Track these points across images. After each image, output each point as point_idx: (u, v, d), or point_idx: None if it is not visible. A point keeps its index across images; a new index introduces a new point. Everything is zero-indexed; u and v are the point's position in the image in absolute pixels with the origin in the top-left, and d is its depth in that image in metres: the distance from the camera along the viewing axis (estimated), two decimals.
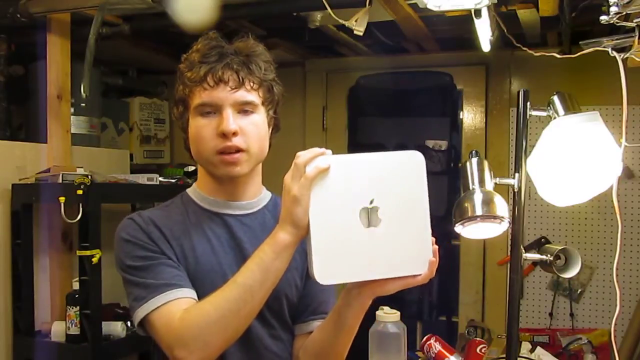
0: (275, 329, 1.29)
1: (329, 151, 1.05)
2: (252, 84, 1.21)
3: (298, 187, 1.03)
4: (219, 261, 1.24)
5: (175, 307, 1.13)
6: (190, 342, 1.08)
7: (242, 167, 1.22)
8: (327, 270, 1.03)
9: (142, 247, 1.20)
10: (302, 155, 1.05)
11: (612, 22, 1.39)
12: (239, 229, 1.27)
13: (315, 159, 1.04)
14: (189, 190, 1.34)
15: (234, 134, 1.18)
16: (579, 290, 3.12)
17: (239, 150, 1.20)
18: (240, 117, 1.20)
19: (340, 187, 1.05)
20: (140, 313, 1.16)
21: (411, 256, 1.07)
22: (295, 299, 1.31)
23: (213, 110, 1.20)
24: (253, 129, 1.22)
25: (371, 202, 1.05)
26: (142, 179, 2.58)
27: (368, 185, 1.06)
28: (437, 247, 1.10)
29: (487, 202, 1.45)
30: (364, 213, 1.05)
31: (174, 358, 1.10)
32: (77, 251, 2.28)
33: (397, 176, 1.07)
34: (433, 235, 1.11)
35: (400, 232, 1.07)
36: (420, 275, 1.08)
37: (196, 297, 1.17)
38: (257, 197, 1.32)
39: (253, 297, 1.09)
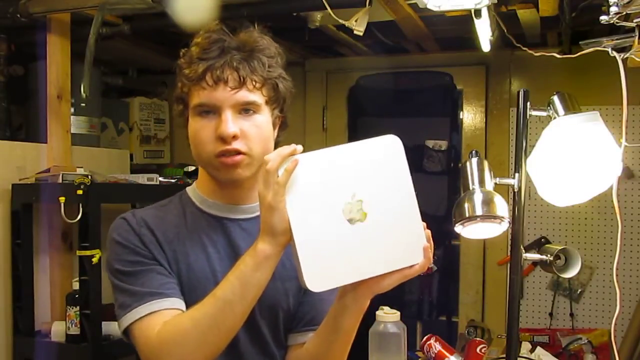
0: (268, 345, 1.22)
1: (300, 147, 0.99)
2: (254, 82, 1.12)
3: (271, 194, 0.97)
4: (212, 269, 1.17)
5: (156, 319, 1.08)
6: (165, 358, 1.04)
7: (244, 170, 1.14)
8: (317, 276, 0.96)
9: (133, 251, 1.14)
10: (271, 160, 0.98)
11: (612, 22, 1.39)
12: (237, 234, 1.20)
13: (285, 161, 0.98)
14: (188, 190, 1.27)
15: (234, 137, 1.11)
16: (579, 290, 3.12)
17: (239, 152, 1.12)
18: (241, 118, 1.13)
19: (316, 185, 0.98)
20: (123, 322, 1.12)
21: (404, 246, 1.01)
22: (293, 309, 1.24)
23: (212, 110, 1.12)
24: (255, 131, 1.14)
25: (353, 196, 0.99)
26: (142, 179, 2.58)
27: (347, 179, 1.00)
28: (429, 231, 1.04)
29: (487, 202, 1.45)
30: (347, 209, 0.99)
31: None
32: (77, 251, 2.27)
33: (376, 164, 1.01)
34: (432, 234, 1.08)
35: (389, 222, 1.00)
36: (417, 264, 1.02)
37: (183, 307, 1.11)
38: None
39: (233, 312, 1.03)
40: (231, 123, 1.11)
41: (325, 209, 0.98)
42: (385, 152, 1.03)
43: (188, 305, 1.11)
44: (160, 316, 1.08)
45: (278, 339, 1.23)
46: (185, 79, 1.14)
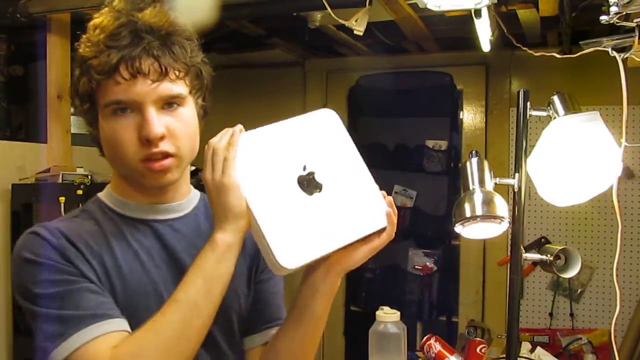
0: (224, 353, 1.08)
1: (240, 126, 0.95)
2: (177, 72, 0.97)
3: (221, 172, 0.91)
4: (151, 279, 1.01)
5: (103, 344, 0.90)
6: None
7: (173, 174, 1.00)
8: (289, 252, 0.90)
9: (54, 269, 0.94)
10: (215, 142, 0.93)
11: (612, 22, 1.39)
12: (171, 236, 1.06)
13: (230, 139, 0.93)
14: (102, 196, 1.09)
15: (161, 138, 0.96)
16: (579, 290, 3.12)
17: (167, 155, 0.98)
18: (165, 114, 0.97)
19: (266, 161, 0.95)
20: (57, 355, 0.89)
21: (366, 212, 0.98)
22: (246, 310, 1.11)
23: (130, 108, 0.96)
24: (182, 128, 0.99)
25: (304, 168, 0.96)
26: None
27: (294, 152, 0.97)
28: (390, 198, 1.00)
29: (487, 202, 1.45)
30: (302, 180, 0.96)
31: None
32: None
33: (318, 137, 1.00)
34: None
35: (345, 191, 0.98)
36: (383, 230, 0.98)
37: (129, 329, 0.94)
38: (186, 197, 1.10)
39: (200, 314, 0.91)
40: (157, 122, 0.95)
41: (280, 183, 0.94)
42: (324, 125, 1.01)
43: (131, 327, 0.95)
44: (106, 341, 0.90)
45: (234, 345, 1.11)
46: (95, 72, 0.95)
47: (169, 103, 0.98)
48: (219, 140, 0.93)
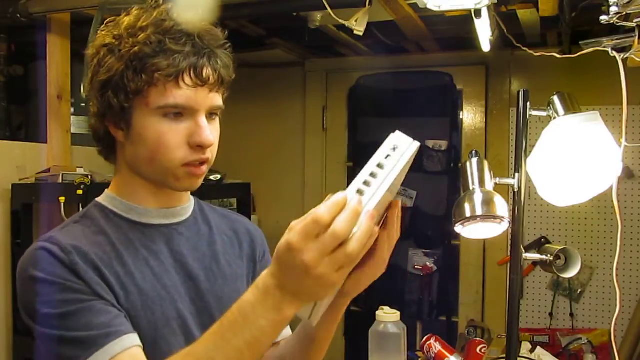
0: None
1: (374, 226, 0.75)
2: (225, 84, 1.01)
3: (337, 272, 0.73)
4: (164, 285, 1.01)
5: None
6: None
7: (202, 179, 1.03)
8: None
9: (65, 288, 0.90)
10: (355, 241, 0.72)
11: (612, 22, 1.39)
12: (177, 241, 1.06)
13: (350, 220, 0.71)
14: (103, 201, 1.07)
15: (210, 145, 0.99)
16: (579, 290, 3.12)
17: (206, 161, 1.00)
18: (209, 122, 1.00)
19: None
20: None
21: None
22: None
23: (184, 113, 0.97)
24: (217, 137, 1.02)
25: None
26: None
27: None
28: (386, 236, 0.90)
29: (487, 202, 1.45)
30: None
31: None
32: None
33: (400, 179, 0.86)
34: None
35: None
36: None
37: (139, 342, 0.91)
38: (188, 201, 1.12)
39: None
40: (209, 130, 0.98)
41: None
42: (408, 162, 0.83)
43: (149, 329, 0.96)
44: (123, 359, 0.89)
45: None
46: (159, 74, 0.94)
47: (211, 113, 1.00)
48: (360, 242, 0.72)
